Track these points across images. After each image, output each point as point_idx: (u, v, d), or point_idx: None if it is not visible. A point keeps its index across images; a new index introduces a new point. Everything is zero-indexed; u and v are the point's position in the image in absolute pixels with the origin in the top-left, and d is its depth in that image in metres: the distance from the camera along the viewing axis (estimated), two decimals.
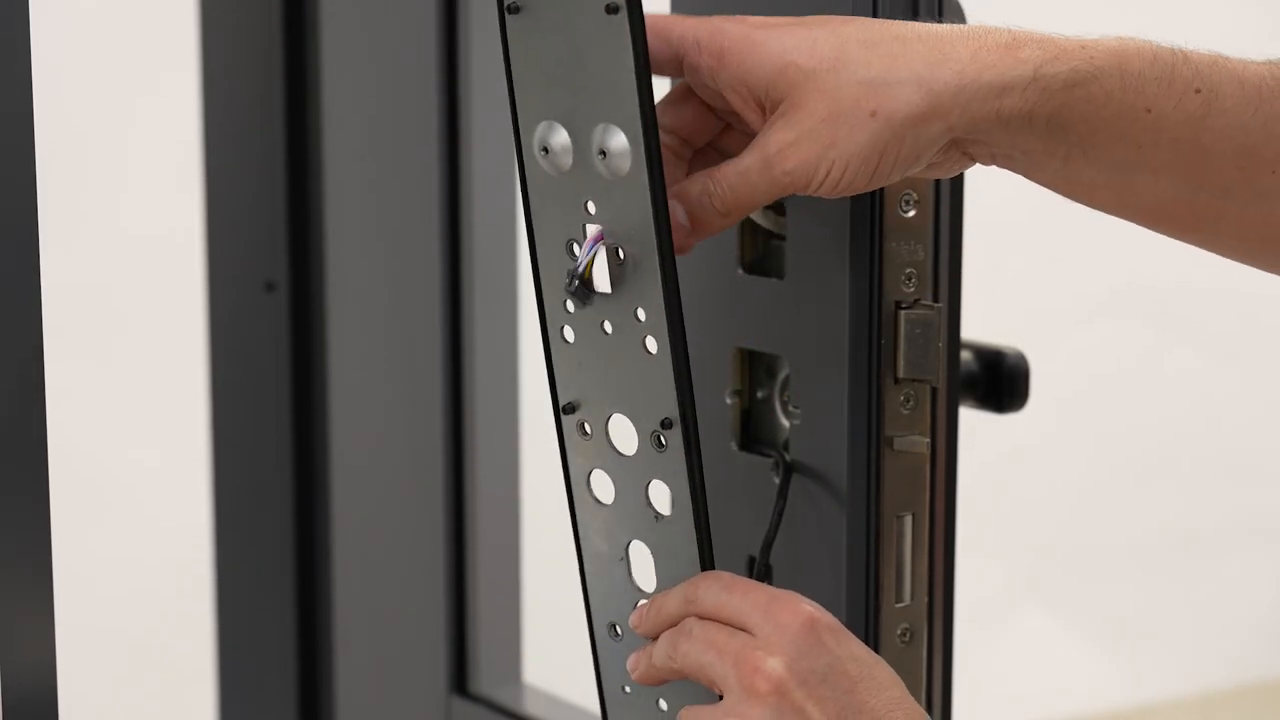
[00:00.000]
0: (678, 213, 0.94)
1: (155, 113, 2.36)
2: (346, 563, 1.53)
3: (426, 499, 1.46)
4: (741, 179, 0.93)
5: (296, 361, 1.54)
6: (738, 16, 0.94)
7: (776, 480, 1.04)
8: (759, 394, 1.10)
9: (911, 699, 0.90)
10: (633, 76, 0.88)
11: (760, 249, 1.08)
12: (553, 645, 1.66)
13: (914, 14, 1.01)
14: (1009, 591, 3.10)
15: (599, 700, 1.02)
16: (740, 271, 1.08)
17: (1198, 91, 0.91)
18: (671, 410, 0.93)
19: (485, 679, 1.47)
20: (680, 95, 0.96)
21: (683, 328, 0.92)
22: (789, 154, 0.91)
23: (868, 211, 1.01)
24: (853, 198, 1.00)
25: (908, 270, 1.02)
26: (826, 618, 0.91)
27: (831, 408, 1.03)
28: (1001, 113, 0.90)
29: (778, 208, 1.05)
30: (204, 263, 1.56)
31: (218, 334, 1.56)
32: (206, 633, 1.63)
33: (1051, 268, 3.00)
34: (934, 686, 1.08)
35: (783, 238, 1.05)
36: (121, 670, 2.45)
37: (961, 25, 0.94)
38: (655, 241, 0.91)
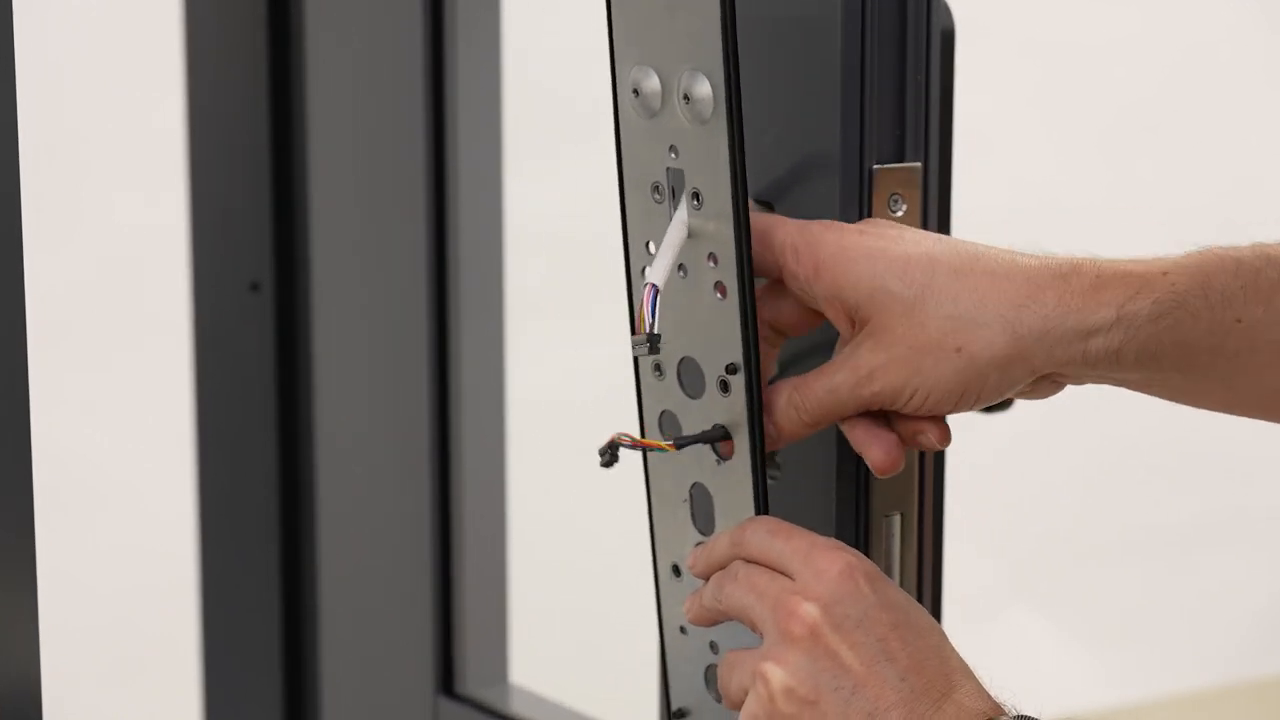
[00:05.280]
0: (767, 420, 0.97)
1: (140, 113, 2.36)
2: (332, 562, 1.53)
3: (412, 498, 1.46)
4: (830, 396, 0.96)
5: (281, 361, 1.54)
6: (833, 224, 0.97)
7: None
8: None
9: (950, 646, 0.91)
10: (719, 24, 0.91)
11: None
12: (540, 645, 1.66)
13: (902, 16, 1.01)
14: (998, 590, 3.10)
15: (659, 641, 1.04)
16: None
17: None
18: (736, 356, 0.96)
19: (472, 679, 1.47)
20: (778, 289, 0.98)
21: (752, 276, 0.95)
22: (877, 376, 0.94)
23: (857, 211, 1.01)
24: (841, 197, 1.00)
25: None
26: (866, 564, 0.92)
27: None
28: (1088, 354, 0.93)
29: (768, 205, 1.05)
30: (189, 263, 1.56)
31: (203, 334, 1.56)
32: (192, 633, 1.63)
33: None
34: None
35: None
36: (106, 671, 2.44)
37: (1052, 259, 0.94)
38: (730, 189, 0.93)
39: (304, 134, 1.50)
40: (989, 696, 0.90)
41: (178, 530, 1.93)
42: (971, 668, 0.92)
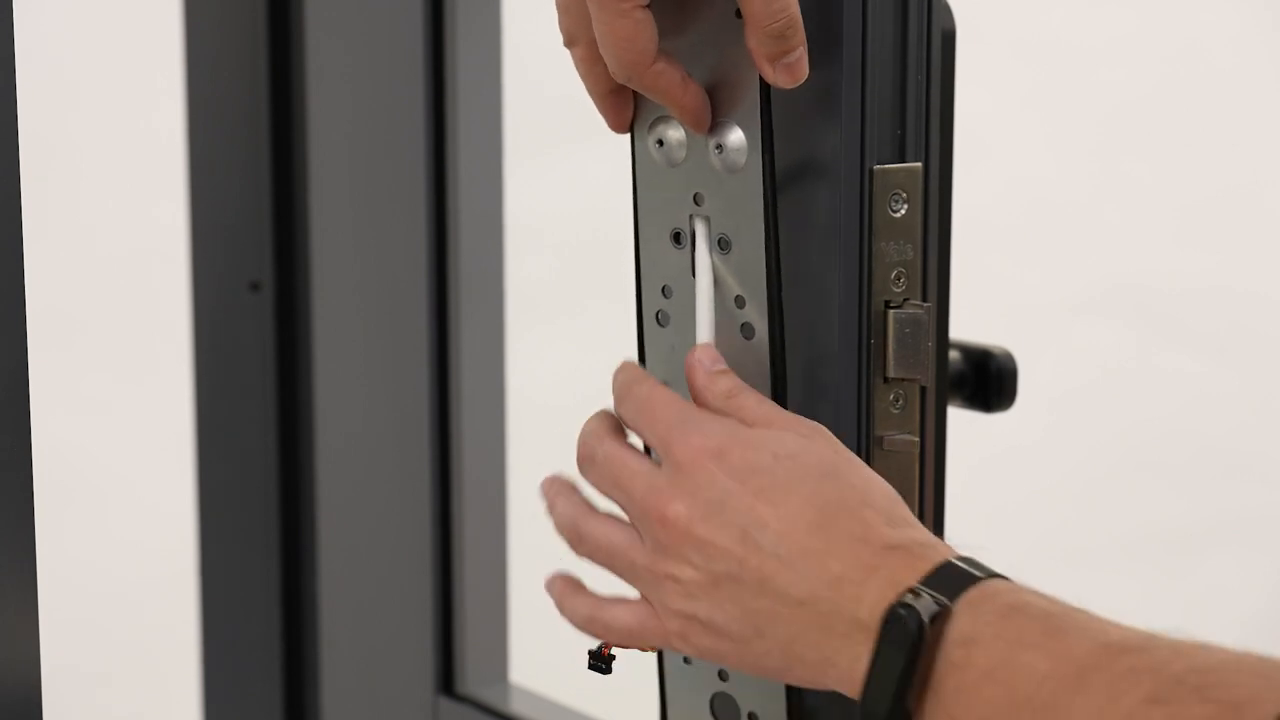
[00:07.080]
0: None
1: (141, 113, 2.36)
2: (332, 562, 1.53)
3: (413, 498, 1.46)
4: None
5: (281, 361, 1.54)
6: None
7: None
8: None
9: (851, 476, 0.89)
10: (756, 77, 0.93)
11: None
12: (539, 645, 1.66)
13: (902, 16, 1.01)
14: None
15: (658, 675, 1.04)
16: None
17: None
18: (765, 394, 0.96)
19: (472, 679, 1.47)
20: None
21: (782, 315, 0.97)
22: None
23: (857, 211, 1.01)
24: (841, 197, 1.00)
25: (896, 270, 1.02)
26: (716, 439, 0.90)
27: (821, 407, 1.03)
28: None
29: None
30: (189, 262, 1.56)
31: (203, 333, 1.56)
32: (192, 633, 1.63)
33: (1039, 268, 3.00)
34: None
35: None
36: (106, 670, 2.44)
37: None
38: (763, 232, 0.95)
39: (304, 134, 1.50)
40: (923, 542, 0.87)
41: (178, 530, 1.93)
42: (898, 496, 0.89)
